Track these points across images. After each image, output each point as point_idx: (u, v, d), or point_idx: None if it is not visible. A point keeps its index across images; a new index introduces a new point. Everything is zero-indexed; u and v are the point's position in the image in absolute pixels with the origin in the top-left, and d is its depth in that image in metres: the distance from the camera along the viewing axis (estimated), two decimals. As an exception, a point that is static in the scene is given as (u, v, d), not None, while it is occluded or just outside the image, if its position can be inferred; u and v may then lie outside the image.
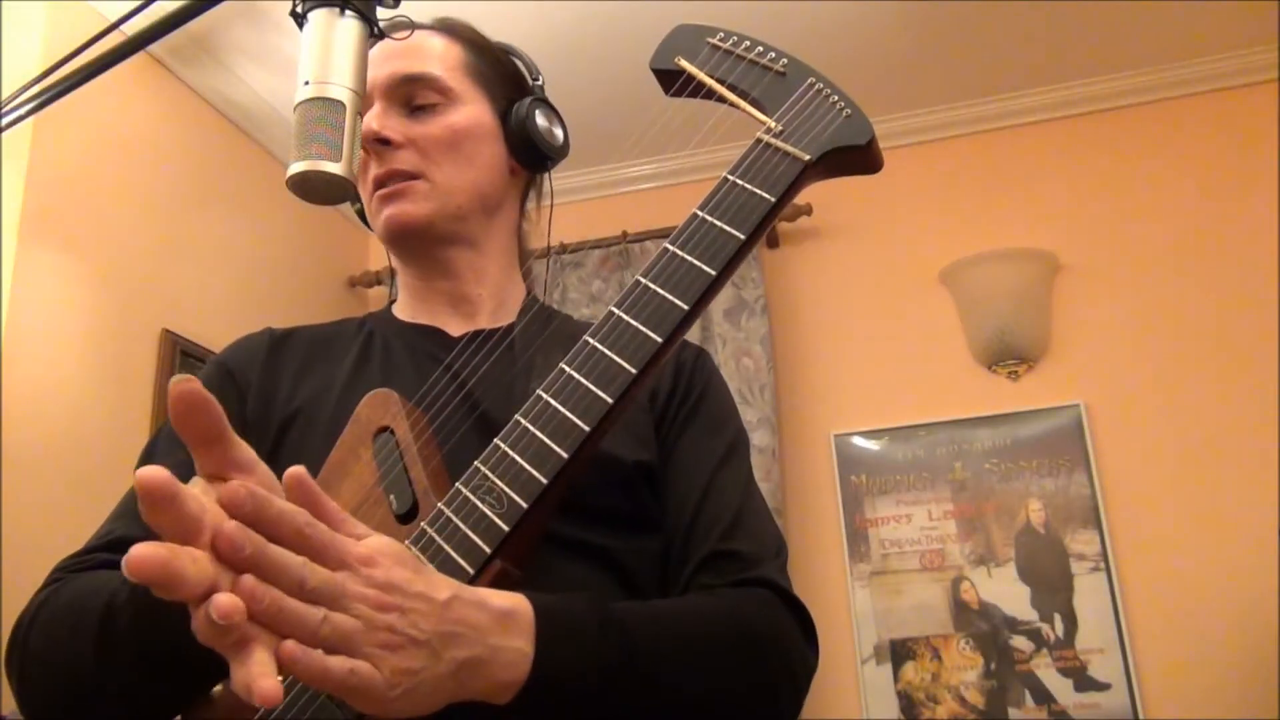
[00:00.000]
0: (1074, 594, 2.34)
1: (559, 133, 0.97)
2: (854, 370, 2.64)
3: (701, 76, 0.78)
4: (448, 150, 0.91)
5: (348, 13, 0.74)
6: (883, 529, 2.49)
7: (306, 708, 0.63)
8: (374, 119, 0.88)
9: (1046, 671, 2.30)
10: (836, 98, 0.75)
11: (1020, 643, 2.34)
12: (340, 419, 0.78)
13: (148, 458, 0.86)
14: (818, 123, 0.73)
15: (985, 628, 2.37)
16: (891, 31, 2.41)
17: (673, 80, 0.80)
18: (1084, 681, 2.28)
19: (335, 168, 0.69)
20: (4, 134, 0.88)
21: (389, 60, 0.92)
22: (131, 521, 0.81)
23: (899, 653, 2.39)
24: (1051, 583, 2.36)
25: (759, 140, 0.73)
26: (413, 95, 0.91)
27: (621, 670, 0.65)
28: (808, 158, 0.72)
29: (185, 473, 0.83)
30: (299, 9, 0.75)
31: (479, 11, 2.38)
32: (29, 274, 1.82)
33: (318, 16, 0.73)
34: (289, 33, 0.76)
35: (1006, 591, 2.38)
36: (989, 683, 2.33)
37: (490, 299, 0.95)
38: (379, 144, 0.88)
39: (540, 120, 0.94)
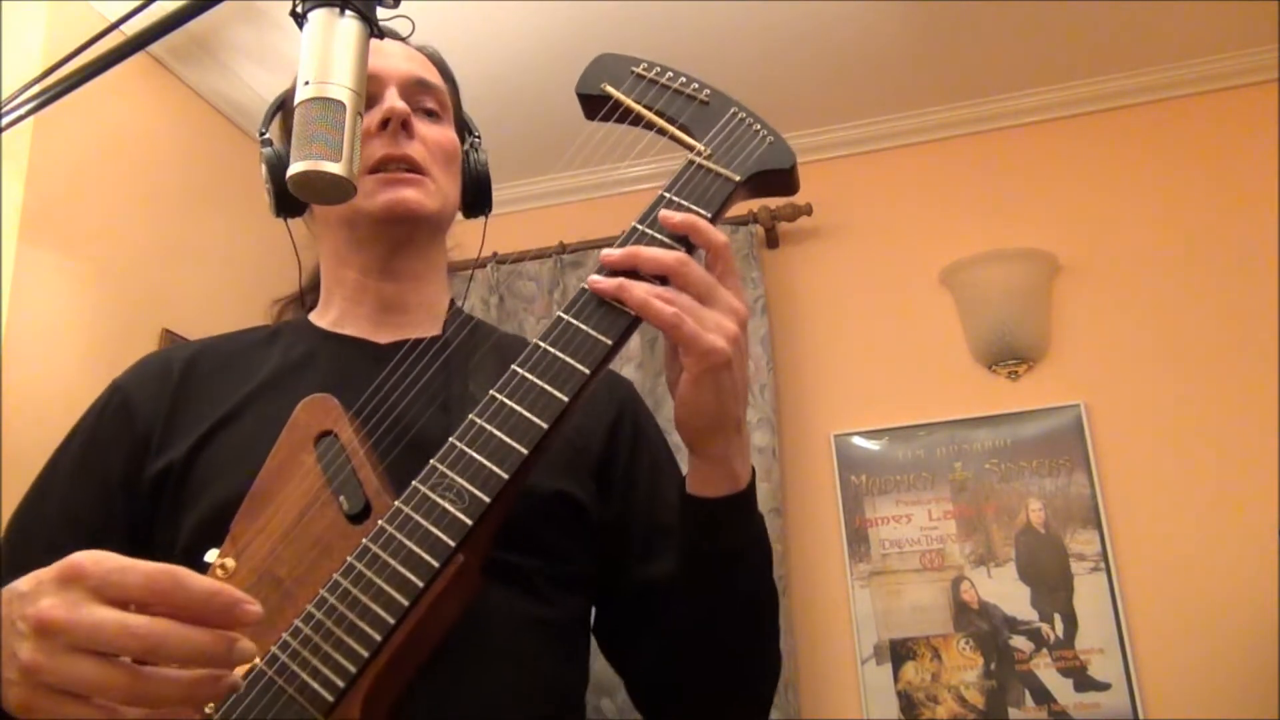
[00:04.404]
0: (1074, 594, 2.34)
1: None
2: (854, 370, 2.64)
3: (629, 102, 0.82)
4: (446, 160, 0.95)
5: (348, 13, 0.73)
6: (883, 529, 2.49)
7: (270, 707, 0.62)
8: (398, 100, 0.90)
9: (1046, 671, 2.30)
10: (759, 126, 0.81)
11: (1020, 643, 2.34)
12: (265, 427, 0.77)
13: (55, 466, 0.88)
14: (744, 147, 0.79)
15: (985, 628, 2.37)
16: (891, 31, 2.41)
17: (598, 106, 0.84)
18: (1084, 681, 2.28)
19: (336, 168, 0.69)
20: (4, 134, 0.88)
21: (398, 58, 0.94)
22: (10, 578, 0.80)
23: (899, 653, 2.39)
24: (1051, 583, 2.36)
25: (691, 162, 0.78)
26: (421, 99, 0.94)
27: (763, 534, 0.82)
28: (738, 178, 0.77)
29: (97, 492, 0.83)
30: (299, 9, 0.75)
31: (478, 9, 2.37)
32: (29, 274, 1.82)
33: (318, 16, 0.73)
34: (289, 33, 0.76)
35: (1006, 591, 2.38)
36: (989, 683, 2.33)
37: (421, 308, 0.96)
38: (402, 126, 0.90)
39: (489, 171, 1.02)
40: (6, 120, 0.87)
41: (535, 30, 2.33)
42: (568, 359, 0.70)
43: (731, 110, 0.81)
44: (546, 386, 0.69)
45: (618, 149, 2.72)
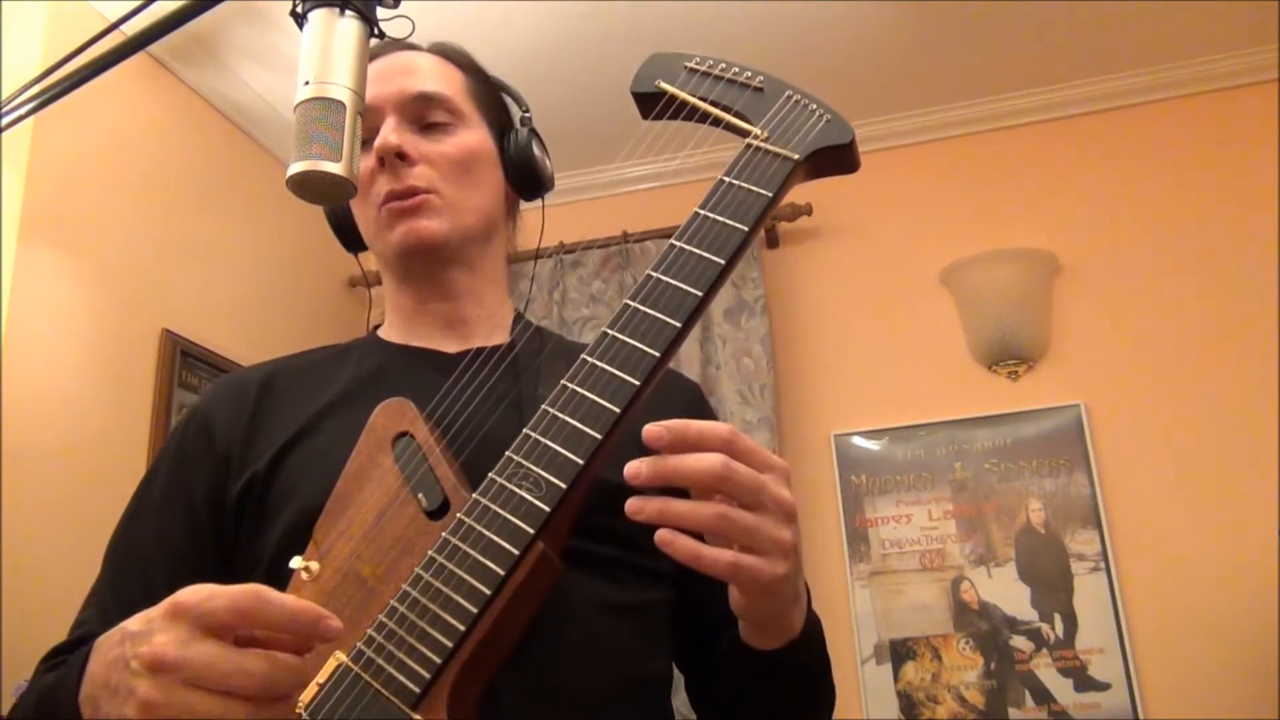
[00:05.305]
0: (1074, 594, 2.34)
1: (548, 164, 1.00)
2: (854, 370, 2.64)
3: (684, 96, 0.82)
4: (460, 170, 0.92)
5: (348, 13, 0.73)
6: (883, 529, 2.49)
7: (357, 703, 0.63)
8: (390, 133, 0.89)
9: (1046, 671, 2.30)
10: (815, 106, 0.80)
11: (1020, 643, 2.34)
12: (342, 438, 0.78)
13: (145, 493, 0.88)
14: (801, 127, 0.79)
15: (985, 628, 2.37)
16: (891, 31, 2.41)
17: (653, 104, 0.84)
18: (1084, 681, 2.28)
19: (335, 168, 0.69)
20: (4, 134, 0.88)
21: (398, 77, 0.93)
22: (110, 609, 0.81)
23: (899, 653, 2.39)
24: (1051, 583, 2.36)
25: (749, 145, 0.78)
26: (425, 113, 0.92)
27: (822, 669, 0.83)
28: (797, 156, 0.76)
29: (184, 516, 0.84)
30: (299, 9, 0.74)
31: (477, 11, 2.38)
32: (29, 274, 1.82)
33: (318, 16, 0.73)
34: (289, 33, 0.76)
35: (1006, 591, 2.38)
36: (989, 683, 2.33)
37: (485, 320, 0.96)
38: (396, 158, 0.89)
39: (536, 150, 0.98)
40: (6, 120, 0.87)
41: (535, 31, 2.33)
42: (637, 344, 0.69)
43: (787, 93, 0.81)
44: (617, 372, 0.69)
45: (621, 148, 2.72)
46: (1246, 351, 2.38)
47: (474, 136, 0.95)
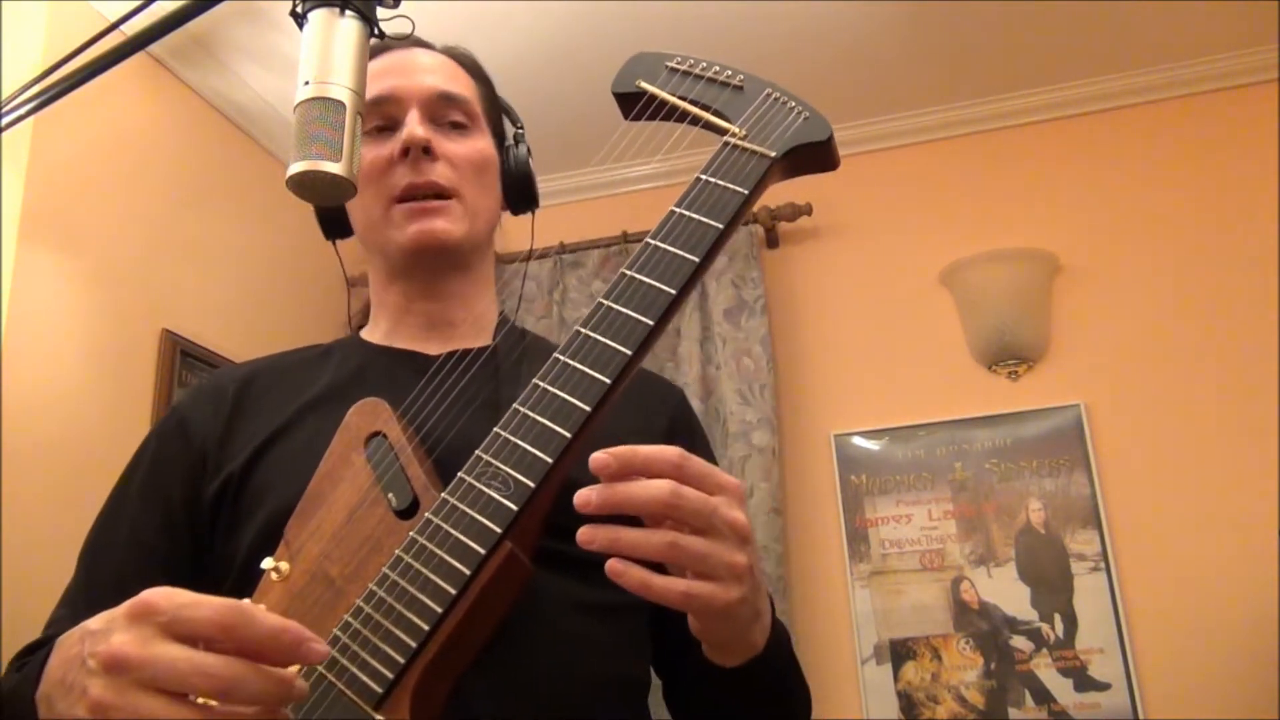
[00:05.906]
0: (1074, 594, 2.34)
1: (537, 182, 1.02)
2: (854, 370, 2.64)
3: (664, 95, 0.82)
4: (477, 174, 0.93)
5: (348, 13, 0.74)
6: (883, 529, 2.49)
7: (320, 703, 0.63)
8: (417, 126, 0.89)
9: (1046, 671, 2.30)
10: (793, 103, 0.80)
11: (1020, 643, 2.34)
12: (318, 438, 0.78)
13: (121, 494, 0.88)
14: (779, 125, 0.79)
15: (985, 628, 2.37)
16: (890, 31, 2.41)
17: (633, 103, 0.85)
18: (1084, 681, 2.28)
19: (335, 168, 0.69)
20: (4, 134, 0.88)
21: (420, 73, 0.93)
22: (81, 610, 0.80)
23: (899, 653, 2.39)
24: (1051, 583, 2.36)
25: (726, 143, 0.78)
26: (446, 113, 0.93)
27: (793, 680, 0.83)
28: (774, 154, 0.76)
29: (160, 516, 0.83)
30: (299, 9, 0.75)
31: (477, 10, 2.37)
32: (29, 274, 1.82)
33: (318, 16, 0.73)
34: (289, 33, 0.76)
35: (1006, 591, 2.38)
36: (989, 683, 2.33)
37: (470, 323, 0.96)
38: (423, 152, 0.89)
39: (532, 166, 1.00)
40: (6, 120, 0.87)
41: (535, 30, 2.33)
42: (609, 342, 0.69)
43: (765, 91, 0.81)
44: (589, 370, 0.68)
45: (618, 148, 2.72)
46: (1246, 351, 2.38)
47: (486, 143, 0.96)
